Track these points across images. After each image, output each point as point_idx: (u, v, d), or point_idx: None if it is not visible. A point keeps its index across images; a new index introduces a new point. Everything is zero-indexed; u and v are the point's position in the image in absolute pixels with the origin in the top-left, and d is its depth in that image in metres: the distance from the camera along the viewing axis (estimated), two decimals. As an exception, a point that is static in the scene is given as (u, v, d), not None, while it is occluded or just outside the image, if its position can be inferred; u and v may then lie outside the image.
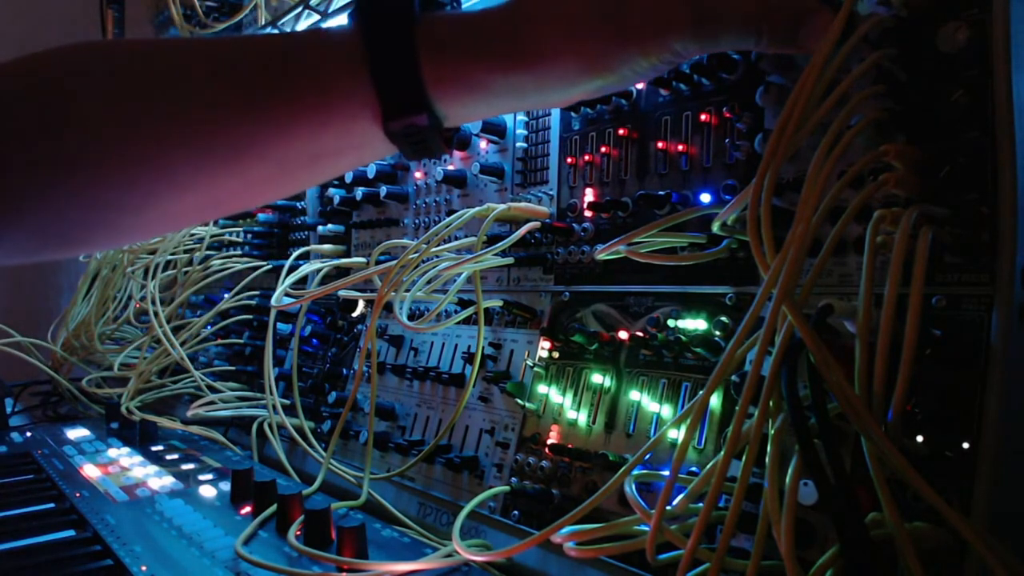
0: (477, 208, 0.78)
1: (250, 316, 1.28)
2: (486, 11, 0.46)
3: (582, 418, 0.69)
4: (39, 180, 0.43)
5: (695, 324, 0.62)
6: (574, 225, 0.73)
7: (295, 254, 1.10)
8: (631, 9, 0.45)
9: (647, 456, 0.54)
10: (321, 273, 1.02)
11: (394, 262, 0.77)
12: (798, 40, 0.47)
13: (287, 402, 1.03)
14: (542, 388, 0.73)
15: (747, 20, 0.46)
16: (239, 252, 1.33)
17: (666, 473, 0.54)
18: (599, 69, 0.46)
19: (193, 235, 1.34)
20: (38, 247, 0.48)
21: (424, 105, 0.44)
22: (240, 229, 1.33)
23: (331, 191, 1.07)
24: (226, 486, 0.86)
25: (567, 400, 0.70)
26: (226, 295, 1.31)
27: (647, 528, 0.48)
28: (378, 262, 0.88)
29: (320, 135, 0.45)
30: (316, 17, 1.07)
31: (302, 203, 1.23)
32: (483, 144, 0.86)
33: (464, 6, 0.83)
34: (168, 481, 0.90)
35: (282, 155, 0.45)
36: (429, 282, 0.79)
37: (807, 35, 0.46)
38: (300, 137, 0.44)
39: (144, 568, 0.64)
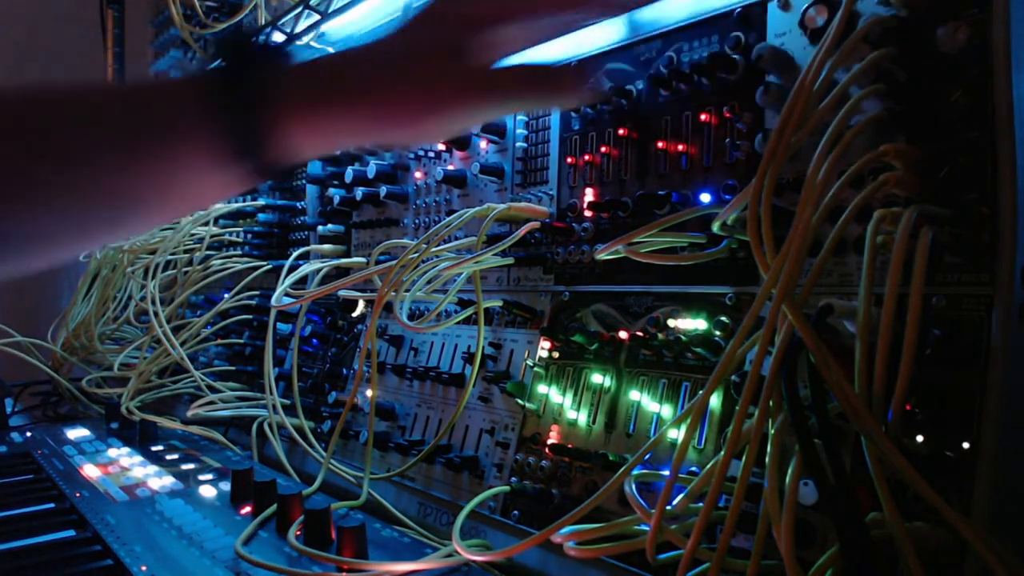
0: (477, 208, 0.78)
1: (250, 316, 1.28)
2: (330, 66, 0.53)
3: (582, 418, 0.69)
4: None
5: (695, 324, 0.62)
6: (574, 225, 0.73)
7: (295, 254, 1.10)
8: (431, 84, 0.53)
9: (647, 456, 0.54)
10: (321, 273, 1.02)
11: (394, 262, 0.77)
12: (561, 99, 0.59)
13: (287, 402, 1.03)
14: (542, 388, 0.73)
15: (517, 95, 0.56)
16: (239, 252, 1.33)
17: (666, 473, 0.54)
18: (413, 125, 0.54)
19: (193, 235, 1.34)
20: None
21: (271, 144, 0.51)
22: (240, 229, 1.33)
23: (331, 191, 1.07)
24: (226, 486, 0.86)
25: (567, 400, 0.70)
26: (226, 295, 1.31)
27: (647, 528, 0.48)
28: (378, 262, 0.88)
29: (181, 173, 0.52)
30: (316, 17, 1.06)
31: (302, 203, 1.23)
32: (483, 144, 0.86)
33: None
34: (168, 481, 0.90)
35: (145, 190, 0.53)
36: (429, 282, 0.79)
37: (560, 93, 0.56)
38: (163, 174, 0.52)
39: (144, 568, 0.64)
